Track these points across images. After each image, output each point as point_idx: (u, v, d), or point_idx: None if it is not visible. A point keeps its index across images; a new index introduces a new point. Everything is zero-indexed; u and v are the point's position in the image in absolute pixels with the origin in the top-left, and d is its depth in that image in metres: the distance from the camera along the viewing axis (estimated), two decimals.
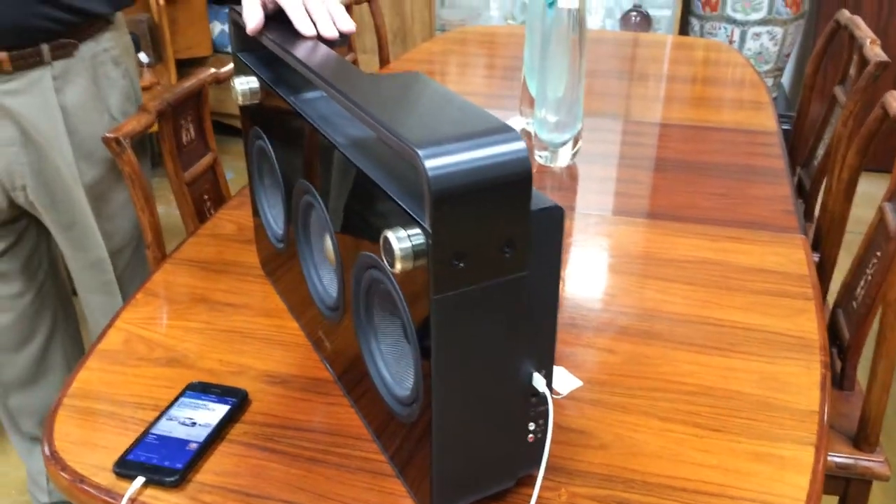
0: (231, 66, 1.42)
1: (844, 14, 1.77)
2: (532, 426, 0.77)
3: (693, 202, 1.38)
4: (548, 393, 0.74)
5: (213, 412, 0.89)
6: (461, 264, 0.65)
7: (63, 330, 1.48)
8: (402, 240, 0.64)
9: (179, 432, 0.85)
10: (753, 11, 2.81)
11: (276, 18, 0.94)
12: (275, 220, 1.07)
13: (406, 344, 0.79)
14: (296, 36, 0.91)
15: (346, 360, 0.92)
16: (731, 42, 2.90)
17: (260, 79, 0.98)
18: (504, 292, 0.68)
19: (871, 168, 1.45)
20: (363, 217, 0.77)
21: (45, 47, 1.16)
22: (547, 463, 0.77)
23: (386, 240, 0.65)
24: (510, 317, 0.70)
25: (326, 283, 0.94)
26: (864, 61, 1.59)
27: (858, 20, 1.69)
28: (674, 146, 1.60)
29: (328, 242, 0.89)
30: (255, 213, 1.12)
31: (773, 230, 1.28)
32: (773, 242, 1.24)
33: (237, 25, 1.01)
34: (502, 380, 0.73)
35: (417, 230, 0.65)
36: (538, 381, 0.74)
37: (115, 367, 0.97)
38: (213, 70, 1.37)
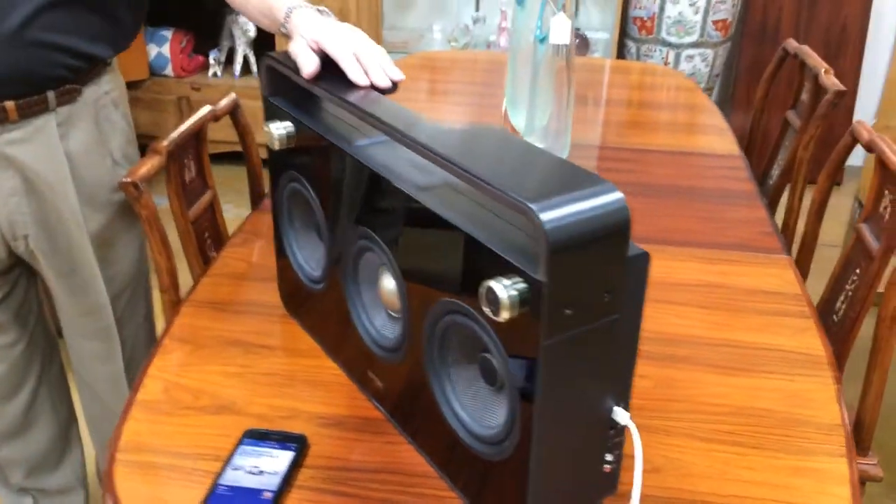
0: (226, 101, 1.42)
1: (792, 43, 1.90)
2: (609, 457, 0.81)
3: (680, 226, 1.45)
4: (631, 425, 0.78)
5: (277, 459, 0.89)
6: (569, 311, 0.68)
7: (50, 376, 1.43)
8: (507, 289, 0.67)
9: (249, 482, 0.85)
10: (686, 35, 2.96)
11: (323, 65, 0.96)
12: (307, 261, 1.08)
13: (482, 384, 0.82)
14: (348, 84, 0.92)
15: (400, 399, 0.94)
16: (665, 63, 3.04)
17: (300, 124, 0.99)
18: (601, 334, 0.72)
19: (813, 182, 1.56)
20: (445, 265, 0.79)
21: (50, 94, 1.13)
22: (617, 489, 0.81)
23: (490, 290, 0.68)
24: (603, 356, 0.74)
25: (379, 324, 0.96)
26: (817, 88, 1.71)
27: (808, 50, 1.81)
28: (651, 171, 1.68)
29: (387, 286, 0.91)
30: (281, 254, 1.12)
31: (759, 251, 1.37)
32: (764, 263, 1.33)
33: (272, 70, 1.02)
34: (590, 414, 0.77)
35: (519, 279, 0.68)
36: (619, 414, 0.78)
37: (161, 418, 0.96)
38: (209, 107, 1.36)
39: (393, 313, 0.94)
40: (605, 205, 0.67)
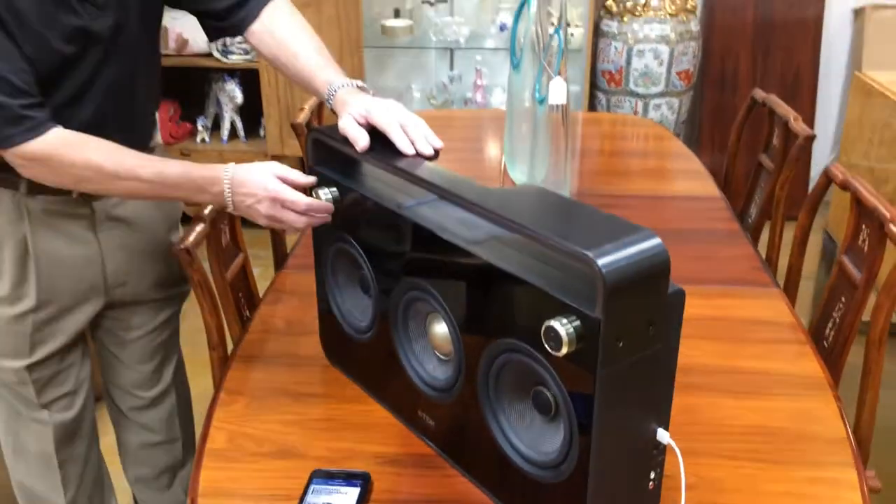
0: None
1: (759, 93, 2.06)
2: (652, 475, 0.91)
3: (676, 266, 1.55)
4: (673, 444, 0.88)
5: (346, 495, 0.97)
6: (621, 343, 0.78)
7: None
8: (565, 326, 0.78)
9: None
10: (653, 85, 3.14)
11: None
12: (351, 314, 1.17)
13: (536, 414, 0.91)
14: (395, 152, 1.03)
15: (452, 434, 1.03)
16: (635, 113, 3.21)
17: (345, 189, 1.09)
18: (647, 362, 0.82)
19: (791, 217, 1.70)
20: (500, 310, 0.89)
21: None
22: None
23: (551, 328, 0.78)
24: (648, 382, 0.84)
25: (430, 368, 1.05)
26: (787, 133, 1.86)
27: (776, 98, 1.97)
28: (637, 216, 1.76)
29: (438, 332, 1.01)
30: (324, 308, 1.21)
31: (752, 285, 1.49)
32: (758, 296, 1.45)
33: (318, 143, 1.12)
34: (637, 435, 0.87)
35: (574, 317, 0.78)
36: (662, 435, 0.88)
37: (231, 465, 1.03)
38: None
39: (442, 356, 1.03)
40: (648, 249, 0.79)
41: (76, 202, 1.21)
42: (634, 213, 1.81)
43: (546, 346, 0.80)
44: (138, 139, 1.21)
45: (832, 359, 1.41)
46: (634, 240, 0.79)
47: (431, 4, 3.32)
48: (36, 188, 1.17)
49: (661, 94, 3.17)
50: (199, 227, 1.26)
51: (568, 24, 3.17)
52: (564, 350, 0.78)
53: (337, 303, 1.18)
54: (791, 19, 3.34)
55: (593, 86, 3.28)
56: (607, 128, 2.60)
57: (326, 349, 1.25)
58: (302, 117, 1.85)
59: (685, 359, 1.25)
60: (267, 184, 1.05)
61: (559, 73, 1.56)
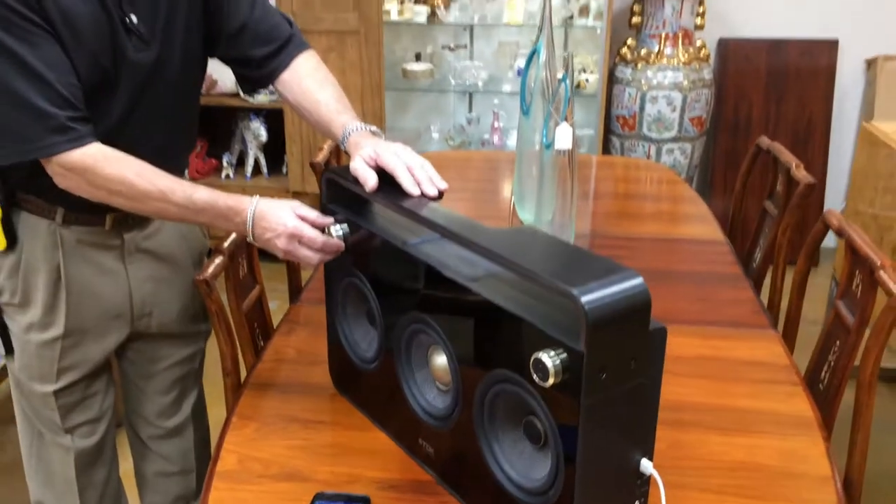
0: None
1: (765, 140, 2.12)
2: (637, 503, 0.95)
3: (677, 307, 1.62)
4: (655, 474, 0.93)
5: None
6: (604, 375, 0.84)
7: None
8: (552, 359, 0.83)
9: None
10: (666, 131, 3.21)
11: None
12: (358, 345, 1.23)
13: (527, 443, 0.96)
14: (402, 193, 1.10)
15: (450, 461, 1.08)
16: (648, 157, 3.28)
17: (355, 226, 1.16)
18: (630, 395, 0.87)
19: (793, 261, 1.74)
20: (494, 342, 0.95)
21: None
22: None
23: (538, 360, 0.84)
24: (631, 413, 0.89)
25: (430, 397, 1.10)
26: (789, 181, 1.91)
27: (780, 146, 2.03)
28: (644, 257, 1.86)
29: (438, 363, 1.07)
30: (333, 339, 1.27)
31: (749, 328, 1.53)
32: (754, 338, 1.49)
33: (331, 182, 1.19)
34: (621, 465, 0.91)
35: (561, 350, 0.84)
36: (645, 466, 0.93)
37: (240, 486, 1.09)
38: None
39: (442, 386, 1.09)
40: (630, 288, 0.84)
41: (108, 233, 1.29)
42: (641, 255, 1.87)
43: (534, 376, 0.86)
44: (170, 171, 1.29)
45: (827, 401, 1.45)
46: (618, 279, 0.85)
47: (451, 49, 3.43)
48: (70, 219, 1.25)
49: (674, 140, 3.24)
50: (219, 260, 1.33)
51: (583, 71, 3.27)
52: (551, 381, 0.84)
53: (345, 334, 1.24)
54: (804, 68, 3.41)
55: (608, 130, 3.36)
56: (620, 171, 2.67)
57: (335, 378, 1.31)
58: (321, 157, 1.94)
59: (678, 396, 1.30)
60: (287, 221, 1.13)
61: (565, 120, 1.63)
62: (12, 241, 1.25)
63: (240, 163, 3.47)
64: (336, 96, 1.30)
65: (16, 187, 1.24)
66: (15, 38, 1.08)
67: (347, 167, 1.17)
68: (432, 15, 3.29)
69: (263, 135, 3.31)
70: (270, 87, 1.38)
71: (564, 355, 0.84)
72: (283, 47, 1.34)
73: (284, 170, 3.39)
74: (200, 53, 1.32)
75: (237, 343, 1.36)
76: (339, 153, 2.10)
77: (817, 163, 3.46)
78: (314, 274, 1.72)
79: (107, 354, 1.37)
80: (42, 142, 1.11)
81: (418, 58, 3.44)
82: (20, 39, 1.08)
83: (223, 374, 1.35)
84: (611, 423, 0.88)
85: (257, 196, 1.17)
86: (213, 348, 1.44)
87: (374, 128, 1.23)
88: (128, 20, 1.18)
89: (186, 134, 1.38)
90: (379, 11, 3.00)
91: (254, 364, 1.39)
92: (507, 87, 3.40)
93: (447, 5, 3.31)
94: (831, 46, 3.39)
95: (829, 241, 2.45)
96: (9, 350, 1.33)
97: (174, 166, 1.23)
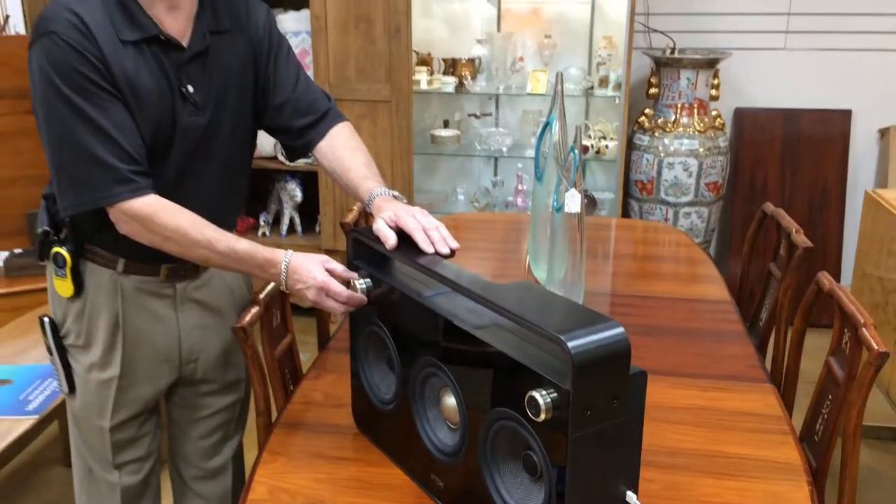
0: None
1: (769, 206, 2.24)
2: None
3: (680, 361, 1.72)
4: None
5: None
6: (589, 412, 0.95)
7: None
8: (544, 397, 0.95)
9: None
10: (683, 195, 3.34)
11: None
12: (378, 387, 1.35)
13: (525, 474, 1.07)
14: (418, 251, 1.24)
15: (458, 494, 1.19)
16: (665, 220, 3.40)
17: (377, 280, 1.30)
18: (612, 431, 0.99)
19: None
20: (496, 383, 1.07)
21: None
22: None
23: (532, 398, 0.96)
24: (615, 448, 1.00)
25: (441, 435, 1.22)
26: (791, 245, 2.02)
27: (782, 212, 2.14)
28: (655, 314, 1.97)
29: (448, 404, 1.19)
30: (356, 382, 1.40)
31: (747, 381, 1.63)
32: (750, 391, 1.59)
33: (356, 241, 1.34)
34: (608, 496, 1.02)
35: (552, 389, 0.96)
36: (630, 497, 1.03)
37: None
38: None
39: (452, 425, 1.21)
40: (612, 335, 0.97)
41: (162, 283, 1.44)
42: (652, 312, 1.98)
43: (529, 412, 0.98)
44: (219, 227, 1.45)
45: (820, 452, 1.53)
46: (601, 328, 0.97)
47: (477, 117, 3.61)
48: (130, 269, 1.40)
49: (691, 204, 3.36)
50: (255, 310, 1.47)
51: (603, 138, 3.42)
52: (542, 416, 0.96)
53: (367, 378, 1.37)
54: (818, 137, 3.53)
55: (627, 194, 3.49)
56: (636, 234, 2.79)
57: (357, 419, 1.43)
58: (350, 218, 2.09)
59: (675, 442, 1.41)
60: (317, 274, 1.27)
61: (574, 186, 1.77)
62: (79, 288, 1.41)
63: (276, 221, 3.66)
64: (365, 163, 1.46)
65: (84, 240, 1.40)
66: (89, 103, 1.26)
67: (371, 228, 1.32)
68: (460, 85, 3.48)
69: (299, 195, 3.50)
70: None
71: (555, 394, 0.96)
72: (321, 119, 1.50)
73: (317, 229, 3.56)
74: (250, 124, 1.49)
75: (269, 385, 1.49)
76: (367, 214, 2.25)
77: (833, 227, 3.56)
78: (341, 325, 1.85)
79: (157, 396, 1.51)
80: (108, 191, 1.27)
81: (446, 124, 3.62)
82: (93, 104, 1.26)
83: (256, 413, 1.48)
84: (597, 457, 0.99)
85: (291, 250, 1.32)
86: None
87: (395, 192, 1.38)
88: (184, 90, 1.35)
89: (235, 196, 1.54)
90: (409, 82, 3.20)
91: (284, 405, 1.52)
92: (530, 153, 3.56)
93: (474, 76, 3.50)
94: (845, 116, 3.52)
95: None
96: (72, 388, 1.47)
97: (222, 224, 1.39)
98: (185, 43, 1.35)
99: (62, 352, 1.46)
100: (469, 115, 3.64)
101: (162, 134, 1.34)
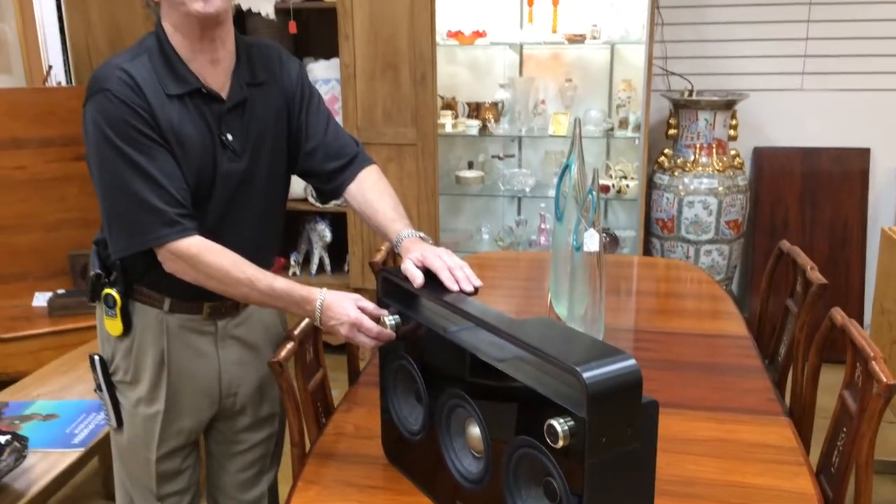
0: None
1: (785, 244, 2.29)
2: None
3: (699, 394, 1.78)
4: None
5: None
6: (604, 439, 1.02)
7: None
8: (562, 425, 1.03)
9: None
10: (703, 233, 3.40)
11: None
12: (406, 419, 1.43)
13: (546, 500, 1.14)
14: (443, 289, 1.32)
15: None
16: (687, 258, 3.46)
17: (406, 317, 1.38)
18: (626, 457, 1.05)
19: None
20: (518, 412, 1.14)
21: None
22: None
23: (551, 426, 1.03)
24: (629, 473, 1.07)
25: (467, 464, 1.29)
26: (806, 282, 2.08)
27: (798, 250, 2.20)
28: (675, 350, 2.03)
29: (473, 433, 1.26)
30: (386, 414, 1.47)
31: (764, 414, 1.68)
32: (768, 424, 1.64)
33: (386, 280, 1.42)
34: None
35: (569, 418, 1.03)
36: None
37: None
38: None
39: (476, 454, 1.28)
40: (625, 367, 1.04)
41: (204, 321, 1.54)
42: (672, 348, 2.04)
43: (548, 440, 1.04)
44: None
45: (836, 484, 1.57)
46: (614, 360, 1.04)
47: (501, 158, 3.72)
48: (175, 307, 1.50)
49: (712, 241, 3.42)
50: (290, 345, 1.56)
51: (623, 177, 3.50)
52: (560, 443, 1.03)
53: (396, 409, 1.45)
54: (837, 174, 3.59)
55: (648, 232, 3.56)
56: (657, 272, 2.85)
57: (386, 449, 1.50)
58: (378, 257, 2.18)
59: (692, 472, 1.46)
60: (350, 312, 1.36)
61: (593, 225, 1.85)
62: (128, 327, 1.51)
63: (306, 261, 3.77)
64: (392, 206, 1.55)
65: (133, 281, 1.50)
66: (139, 153, 1.37)
67: (400, 267, 1.41)
68: (483, 128, 3.59)
69: (328, 236, 3.61)
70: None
71: (572, 422, 1.03)
72: (350, 163, 1.60)
73: (346, 268, 3.67)
74: (284, 169, 1.59)
75: (303, 418, 1.57)
76: (395, 254, 2.34)
77: (855, 264, 3.59)
78: (370, 360, 1.93)
79: (198, 429, 1.60)
80: (156, 233, 1.38)
81: (470, 166, 3.73)
82: (143, 153, 1.37)
83: (291, 444, 1.55)
84: (613, 482, 1.05)
85: (325, 289, 1.41)
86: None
87: (422, 234, 1.47)
88: (223, 138, 1.46)
89: (271, 237, 1.63)
90: (434, 126, 3.31)
91: (317, 437, 1.60)
92: (552, 192, 3.63)
93: (497, 119, 3.61)
94: (863, 154, 3.57)
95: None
96: (119, 423, 1.56)
97: (260, 263, 1.47)
98: (224, 95, 1.47)
99: (111, 388, 1.56)
100: (493, 157, 3.74)
101: (204, 179, 1.45)
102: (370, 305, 1.39)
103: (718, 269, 3.45)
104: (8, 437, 1.76)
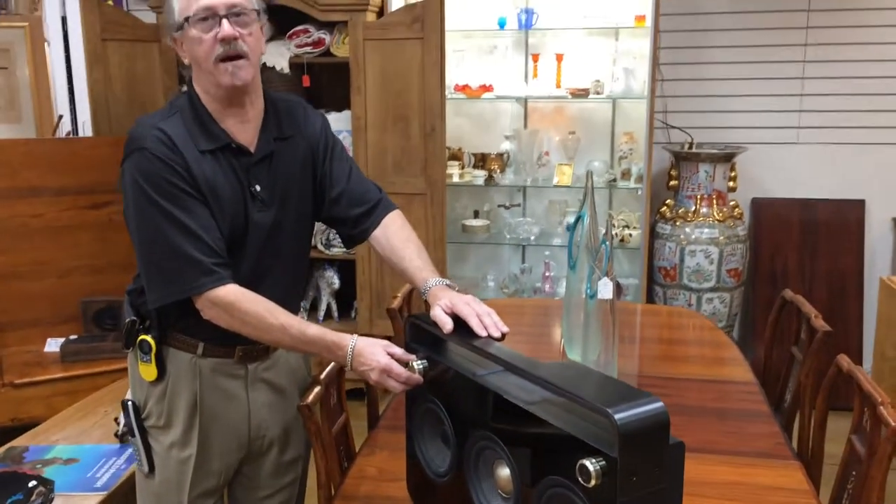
0: None
1: (788, 293, 2.37)
2: None
3: (710, 439, 1.83)
4: None
5: None
6: (634, 478, 1.07)
7: None
8: (594, 464, 1.08)
9: None
10: (705, 281, 3.48)
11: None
12: (433, 460, 1.47)
13: None
14: (472, 334, 1.38)
15: None
16: (689, 305, 3.52)
17: (433, 361, 1.43)
18: (654, 495, 1.10)
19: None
20: (548, 453, 1.19)
21: None
22: None
23: (583, 465, 1.08)
24: None
25: None
26: (811, 329, 2.14)
27: (801, 299, 2.27)
28: (684, 395, 2.08)
29: (501, 474, 1.30)
30: (412, 457, 1.51)
31: (775, 458, 1.73)
32: (779, 468, 1.68)
33: (415, 325, 1.48)
34: None
35: (600, 458, 1.08)
36: None
37: None
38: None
39: (504, 494, 1.32)
40: (653, 409, 1.09)
41: (235, 364, 1.59)
42: (681, 393, 2.09)
43: (580, 479, 1.09)
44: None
45: None
46: (643, 402, 1.10)
47: (507, 208, 3.80)
48: (208, 351, 1.55)
49: (713, 289, 3.49)
50: (317, 389, 1.61)
51: (626, 227, 3.59)
52: (593, 482, 1.07)
53: (422, 451, 1.49)
54: (834, 225, 3.68)
55: (651, 280, 3.63)
56: (661, 319, 2.91)
57: (411, 490, 1.54)
58: (395, 303, 2.24)
59: None
60: (380, 358, 1.41)
61: (606, 274, 1.91)
62: (162, 372, 1.56)
63: (313, 307, 3.82)
64: (417, 252, 1.62)
65: (168, 327, 1.55)
66: (176, 206, 1.44)
67: (425, 314, 1.46)
68: (489, 178, 3.68)
69: (337, 283, 3.66)
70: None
71: (603, 462, 1.08)
72: (374, 208, 1.68)
73: (353, 314, 3.72)
74: (310, 217, 1.66)
75: (332, 460, 1.61)
76: (410, 299, 2.40)
77: (853, 312, 3.66)
78: (389, 404, 1.98)
79: (228, 471, 1.64)
80: (196, 282, 1.44)
81: (476, 214, 3.81)
82: (180, 207, 1.44)
83: (317, 486, 1.59)
84: None
85: (356, 335, 1.46)
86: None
87: (448, 281, 1.54)
88: (253, 189, 1.53)
89: (298, 282, 1.70)
90: (443, 176, 3.40)
91: (341, 480, 1.63)
92: (556, 241, 3.73)
93: (502, 170, 3.71)
94: (858, 206, 3.67)
95: None
96: (151, 467, 1.60)
97: (288, 308, 1.53)
98: (252, 149, 1.54)
99: (143, 433, 1.60)
100: (499, 206, 3.83)
101: (237, 229, 1.51)
102: (399, 351, 1.45)
103: (720, 316, 3.51)
104: (34, 481, 1.79)
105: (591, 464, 1.07)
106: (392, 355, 1.43)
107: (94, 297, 3.28)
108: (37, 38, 4.54)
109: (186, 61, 1.50)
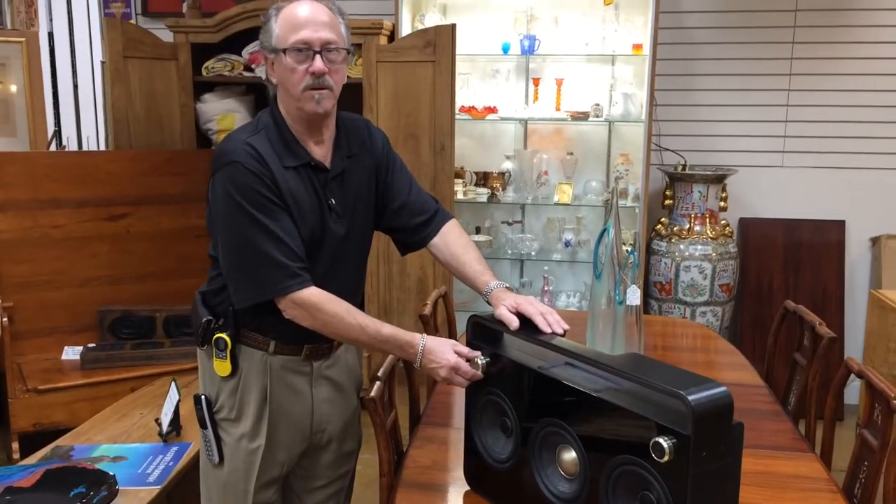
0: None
1: (790, 304, 2.54)
2: None
3: None
4: None
5: None
6: (704, 454, 1.21)
7: None
8: (667, 442, 1.21)
9: None
10: (699, 295, 3.65)
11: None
12: (492, 448, 1.59)
13: None
14: (537, 331, 1.52)
15: None
16: (683, 318, 3.70)
17: (496, 356, 1.56)
18: (720, 469, 1.24)
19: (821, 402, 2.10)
20: (616, 434, 1.32)
21: None
22: None
23: (657, 443, 1.22)
24: (721, 483, 1.25)
25: (560, 486, 1.46)
26: (814, 336, 2.31)
27: (804, 309, 2.45)
28: None
29: (566, 458, 1.43)
30: (470, 444, 1.63)
31: (792, 451, 1.88)
32: (798, 459, 1.84)
33: (476, 324, 1.61)
34: None
35: (672, 436, 1.22)
36: None
37: None
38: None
39: (568, 476, 1.45)
40: (718, 392, 1.24)
41: (302, 362, 1.70)
42: None
43: (653, 455, 1.23)
44: None
45: None
46: (710, 386, 1.24)
47: (508, 224, 3.95)
48: (278, 349, 1.66)
49: (706, 303, 3.67)
50: (378, 384, 1.73)
51: (623, 244, 3.75)
52: (666, 458, 1.21)
53: (481, 440, 1.61)
54: (816, 244, 3.89)
55: (647, 294, 3.80)
56: (659, 328, 3.07)
57: (468, 477, 1.66)
58: (426, 310, 2.37)
59: (743, 499, 1.64)
60: (449, 357, 1.54)
61: (634, 283, 2.06)
62: (235, 368, 1.66)
63: None
64: (477, 258, 1.75)
65: (242, 326, 1.66)
66: (264, 214, 1.55)
67: (486, 314, 1.60)
68: (492, 196, 3.83)
69: None
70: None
71: (675, 440, 1.22)
72: (433, 218, 1.81)
73: None
74: (372, 227, 1.79)
75: (393, 451, 1.73)
76: (437, 306, 2.53)
77: (835, 324, 3.86)
78: (429, 403, 2.09)
79: (291, 462, 1.74)
80: (281, 284, 1.55)
81: (478, 230, 3.95)
82: (267, 215, 1.56)
83: (380, 475, 1.70)
84: (708, 491, 1.24)
85: (425, 334, 1.59)
86: None
87: (508, 285, 1.67)
88: (329, 202, 1.66)
89: (361, 284, 1.82)
90: (451, 193, 3.54)
91: (399, 470, 1.75)
92: (555, 256, 3.89)
93: (504, 188, 3.86)
94: (839, 226, 3.89)
95: (852, 397, 2.78)
96: (221, 458, 1.70)
97: (355, 306, 1.65)
98: (327, 165, 1.67)
99: (214, 425, 1.70)
100: (502, 223, 3.98)
101: (315, 238, 1.63)
102: (464, 349, 1.57)
103: (712, 328, 3.69)
104: (98, 473, 1.87)
105: (665, 441, 1.21)
106: (459, 354, 1.55)
107: (111, 307, 3.35)
108: (33, 54, 4.61)
109: (274, 81, 1.63)
